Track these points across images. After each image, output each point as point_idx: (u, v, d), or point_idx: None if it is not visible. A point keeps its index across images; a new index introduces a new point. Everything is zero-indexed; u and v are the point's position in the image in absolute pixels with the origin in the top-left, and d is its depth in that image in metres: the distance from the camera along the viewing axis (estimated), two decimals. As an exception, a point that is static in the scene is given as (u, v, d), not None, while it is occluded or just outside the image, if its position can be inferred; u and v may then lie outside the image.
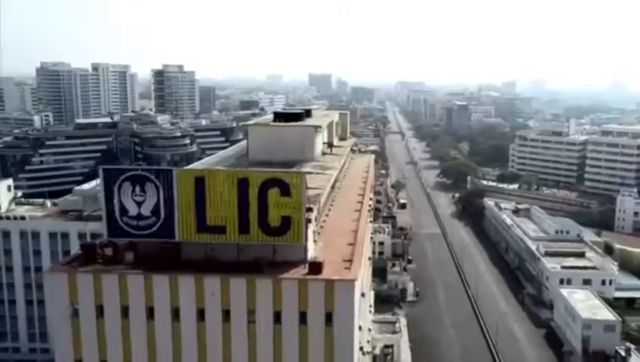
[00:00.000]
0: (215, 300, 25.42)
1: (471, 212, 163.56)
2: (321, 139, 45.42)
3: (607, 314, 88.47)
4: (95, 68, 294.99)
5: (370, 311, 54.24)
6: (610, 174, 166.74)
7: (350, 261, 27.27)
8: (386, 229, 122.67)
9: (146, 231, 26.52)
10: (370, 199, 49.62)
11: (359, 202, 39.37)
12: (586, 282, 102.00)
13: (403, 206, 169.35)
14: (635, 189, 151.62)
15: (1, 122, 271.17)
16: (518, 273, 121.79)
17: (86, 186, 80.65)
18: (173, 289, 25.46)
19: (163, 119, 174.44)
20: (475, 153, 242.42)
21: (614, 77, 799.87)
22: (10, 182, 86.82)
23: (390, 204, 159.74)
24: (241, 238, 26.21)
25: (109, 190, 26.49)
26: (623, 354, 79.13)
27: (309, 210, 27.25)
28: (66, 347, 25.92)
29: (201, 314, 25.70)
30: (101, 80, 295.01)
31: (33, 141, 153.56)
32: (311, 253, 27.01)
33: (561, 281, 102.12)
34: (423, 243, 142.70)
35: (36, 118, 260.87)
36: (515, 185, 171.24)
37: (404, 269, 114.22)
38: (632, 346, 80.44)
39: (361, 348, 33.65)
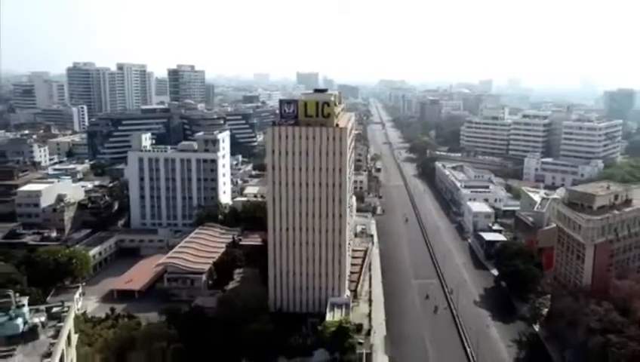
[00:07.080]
0: (310, 133, 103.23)
1: (427, 172, 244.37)
2: (333, 100, 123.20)
3: (488, 210, 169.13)
4: (120, 67, 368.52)
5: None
6: (525, 145, 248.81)
7: (346, 126, 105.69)
8: (364, 174, 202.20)
9: (289, 117, 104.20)
10: (351, 131, 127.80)
11: (348, 121, 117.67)
12: (485, 200, 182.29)
13: (379, 170, 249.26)
14: (539, 154, 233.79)
15: (46, 114, 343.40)
16: (450, 203, 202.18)
17: (200, 134, 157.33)
18: (300, 131, 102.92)
19: (201, 106, 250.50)
20: (439, 136, 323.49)
21: (585, 76, 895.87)
22: (148, 134, 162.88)
23: (369, 166, 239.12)
24: (316, 118, 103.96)
25: (280, 107, 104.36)
26: (490, 225, 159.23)
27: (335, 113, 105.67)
28: (276, 148, 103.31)
29: (307, 138, 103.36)
30: (125, 77, 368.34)
31: (114, 121, 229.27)
32: (336, 123, 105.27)
33: (470, 199, 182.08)
34: (391, 190, 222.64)
35: (74, 110, 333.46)
36: (459, 154, 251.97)
37: (375, 196, 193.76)
38: (495, 222, 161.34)
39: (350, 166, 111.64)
